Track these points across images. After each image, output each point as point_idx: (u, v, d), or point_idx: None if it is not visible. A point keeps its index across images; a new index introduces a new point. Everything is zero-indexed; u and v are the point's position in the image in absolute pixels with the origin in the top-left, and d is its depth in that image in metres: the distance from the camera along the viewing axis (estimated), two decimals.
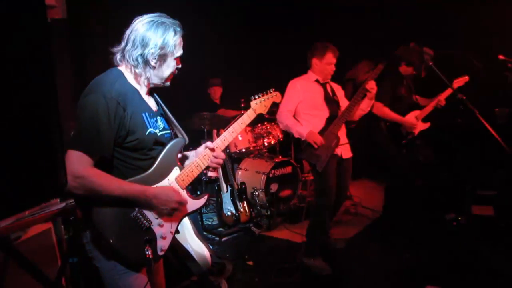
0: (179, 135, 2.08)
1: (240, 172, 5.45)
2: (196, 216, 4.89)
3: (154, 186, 1.87)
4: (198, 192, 4.87)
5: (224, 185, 4.69)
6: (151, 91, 2.01)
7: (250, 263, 3.93)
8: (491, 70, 3.87)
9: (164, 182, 1.92)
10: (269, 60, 6.81)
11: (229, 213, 4.63)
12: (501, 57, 4.16)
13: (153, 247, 1.87)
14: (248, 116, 2.20)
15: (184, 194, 1.98)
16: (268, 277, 3.66)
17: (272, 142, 5.60)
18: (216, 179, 5.07)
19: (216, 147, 2.09)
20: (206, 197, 2.10)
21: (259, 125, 5.60)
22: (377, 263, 3.85)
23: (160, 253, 1.91)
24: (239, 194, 4.71)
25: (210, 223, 5.07)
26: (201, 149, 2.11)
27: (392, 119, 4.37)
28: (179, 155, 2.07)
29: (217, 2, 6.05)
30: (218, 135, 4.68)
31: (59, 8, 4.14)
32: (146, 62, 1.84)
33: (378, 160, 5.31)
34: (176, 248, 3.34)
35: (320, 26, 6.32)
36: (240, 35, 6.70)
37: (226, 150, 5.03)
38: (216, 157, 2.07)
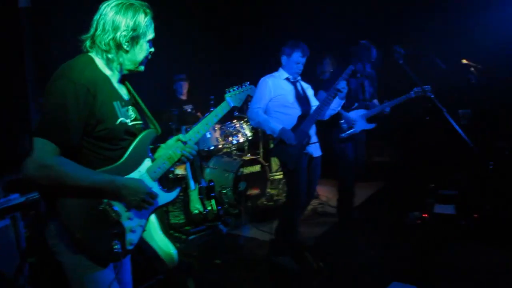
0: (151, 126, 2.00)
1: (208, 170, 5.38)
2: (162, 213, 4.77)
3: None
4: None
5: (192, 183, 4.61)
6: (123, 79, 1.93)
7: (218, 261, 3.87)
8: (455, 72, 3.98)
9: (135, 174, 1.84)
10: (238, 57, 6.78)
11: (196, 211, 4.55)
12: (464, 60, 4.31)
13: (122, 241, 1.79)
14: (221, 109, 2.15)
15: (155, 186, 1.91)
16: (236, 275, 3.61)
17: (241, 141, 5.57)
18: (183, 177, 4.98)
19: (189, 140, 2.03)
20: (178, 190, 2.03)
21: (228, 123, 5.56)
22: (344, 261, 3.88)
23: (129, 247, 1.82)
24: (207, 192, 4.64)
25: (177, 221, 4.97)
26: (173, 141, 2.05)
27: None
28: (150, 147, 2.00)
29: None
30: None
31: None
32: (118, 46, 1.76)
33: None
34: (142, 246, 3.24)
35: (288, 22, 6.35)
36: (207, 31, 6.65)
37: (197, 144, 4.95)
38: (189, 150, 2.01)
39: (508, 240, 3.92)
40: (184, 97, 6.09)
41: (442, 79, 4.23)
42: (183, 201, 4.78)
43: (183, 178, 4.98)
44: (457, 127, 2.69)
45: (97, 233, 1.73)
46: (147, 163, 1.89)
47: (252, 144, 5.99)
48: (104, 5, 1.77)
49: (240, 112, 5.98)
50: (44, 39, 4.02)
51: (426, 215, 4.77)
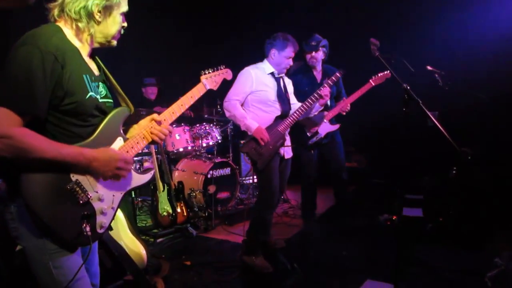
0: (123, 104, 1.90)
1: (177, 173, 5.24)
2: (130, 213, 4.59)
3: None
4: (133, 192, 4.59)
5: (160, 184, 4.46)
6: (93, 54, 1.82)
7: (188, 263, 3.73)
8: (423, 76, 4.05)
9: None
10: (207, 56, 6.74)
11: (165, 213, 4.40)
12: (429, 67, 4.41)
13: (92, 224, 1.66)
14: (198, 90, 2.07)
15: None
16: (207, 276, 3.49)
17: (211, 144, 5.48)
18: (151, 180, 4.83)
19: (164, 120, 1.94)
20: (152, 172, 1.93)
21: (198, 125, 5.46)
22: (317, 261, 3.84)
23: (100, 230, 1.70)
24: (176, 193, 4.51)
25: (144, 225, 4.79)
26: (146, 121, 1.95)
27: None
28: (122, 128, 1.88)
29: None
30: None
31: None
32: (89, 16, 1.65)
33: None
34: (110, 245, 3.08)
35: (262, 22, 6.37)
36: (175, 31, 6.59)
37: (162, 147, 4.82)
38: (162, 130, 1.91)
39: (471, 242, 4.06)
40: (152, 97, 6.00)
41: (410, 82, 4.31)
42: (151, 203, 4.62)
43: (151, 180, 4.82)
44: (434, 120, 2.71)
45: (64, 214, 1.59)
46: (119, 142, 1.78)
47: (221, 147, 5.91)
48: None
49: (210, 115, 5.91)
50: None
51: (395, 217, 4.84)
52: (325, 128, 4.46)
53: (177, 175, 5.18)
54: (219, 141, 5.57)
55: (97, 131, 1.70)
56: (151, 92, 6.03)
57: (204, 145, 5.39)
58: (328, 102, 4.29)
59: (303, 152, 4.57)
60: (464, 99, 4.72)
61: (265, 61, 3.76)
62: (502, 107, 4.99)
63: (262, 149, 3.54)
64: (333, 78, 3.74)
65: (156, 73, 6.12)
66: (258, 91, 3.64)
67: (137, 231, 4.40)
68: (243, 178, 5.89)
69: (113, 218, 1.77)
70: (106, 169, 1.65)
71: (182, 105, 2.00)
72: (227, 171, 5.33)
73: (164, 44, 6.42)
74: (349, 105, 4.38)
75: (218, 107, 6.01)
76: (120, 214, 3.34)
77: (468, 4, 5.32)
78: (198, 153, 5.44)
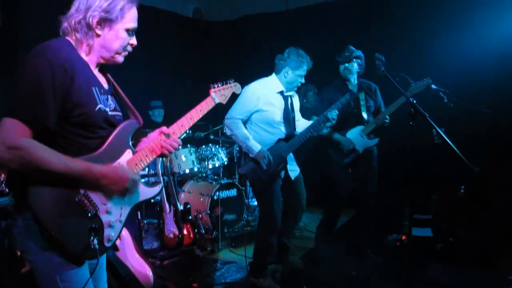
0: (132, 117, 1.90)
1: (183, 195, 5.20)
2: (137, 234, 4.54)
3: None
4: (139, 212, 4.55)
5: (167, 206, 4.43)
6: (102, 69, 1.83)
7: (195, 284, 3.67)
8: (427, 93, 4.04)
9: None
10: (213, 77, 6.83)
11: (171, 235, 4.35)
12: (433, 86, 4.40)
13: (100, 237, 1.64)
14: (207, 103, 2.07)
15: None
16: None
17: (217, 165, 5.46)
18: (157, 201, 4.80)
19: (173, 133, 1.94)
20: (160, 186, 1.90)
21: (204, 146, 5.46)
22: (326, 281, 3.77)
23: (107, 244, 1.68)
24: (183, 215, 4.46)
25: (150, 247, 4.73)
26: (155, 134, 1.94)
27: (325, 135, 4.07)
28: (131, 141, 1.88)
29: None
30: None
31: None
32: (88, 27, 1.65)
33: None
34: (116, 265, 3.04)
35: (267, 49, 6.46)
36: (182, 54, 6.71)
37: (169, 168, 4.80)
38: (171, 143, 1.90)
39: (483, 260, 3.96)
40: (160, 120, 6.05)
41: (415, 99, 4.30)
42: (157, 226, 4.57)
43: (157, 203, 4.79)
44: (442, 134, 2.68)
45: (72, 227, 1.58)
46: (127, 154, 1.77)
47: (228, 168, 5.89)
48: None
49: (216, 135, 5.92)
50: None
51: (404, 237, 4.76)
52: (363, 143, 4.07)
53: (183, 197, 5.14)
54: (225, 163, 5.55)
55: (106, 143, 1.70)
56: (158, 115, 6.08)
57: (210, 166, 5.37)
58: (366, 117, 4.12)
59: (338, 172, 4.20)
60: (470, 116, 4.69)
61: (274, 76, 3.58)
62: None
63: (262, 172, 3.41)
64: (343, 100, 3.61)
65: (163, 95, 6.18)
66: (263, 110, 3.47)
67: (144, 254, 4.35)
68: (250, 200, 5.84)
69: (120, 232, 1.74)
70: (114, 188, 1.65)
71: (191, 118, 2.00)
72: (233, 192, 5.28)
73: (171, 67, 6.51)
74: (387, 117, 4.02)
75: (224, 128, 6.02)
76: (126, 234, 3.31)
77: (468, 21, 5.37)
78: (204, 175, 5.42)
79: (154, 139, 1.91)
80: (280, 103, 3.56)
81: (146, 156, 1.83)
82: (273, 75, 3.60)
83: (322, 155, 4.46)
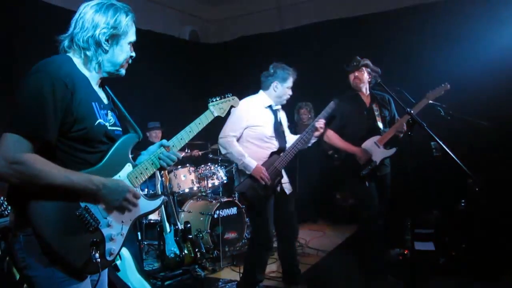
0: (131, 131, 1.92)
1: (183, 214, 5.18)
2: (137, 253, 4.49)
3: None
4: (139, 233, 4.52)
5: (167, 225, 4.40)
6: (102, 83, 1.86)
7: None
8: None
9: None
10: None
11: (172, 255, 4.31)
12: (431, 101, 4.42)
13: (101, 251, 1.64)
14: (205, 117, 2.10)
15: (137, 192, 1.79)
16: None
17: (216, 184, 5.46)
18: (157, 222, 4.78)
19: (172, 146, 1.95)
20: (161, 198, 1.91)
21: (203, 165, 5.47)
22: None
23: (109, 258, 1.67)
24: (183, 234, 4.43)
25: (150, 268, 4.68)
26: (154, 147, 1.96)
27: (340, 148, 3.99)
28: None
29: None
30: (160, 174, 4.43)
31: None
32: (97, 44, 1.69)
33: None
34: (117, 285, 3.01)
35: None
36: (178, 76, 6.77)
37: (168, 188, 4.79)
38: (170, 156, 1.92)
39: (487, 274, 3.95)
40: (157, 140, 6.05)
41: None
42: (158, 246, 4.53)
43: (157, 224, 4.77)
44: (441, 143, 2.70)
45: (73, 241, 1.58)
46: (127, 168, 1.79)
47: (227, 187, 5.88)
48: (84, 5, 1.73)
49: (214, 153, 5.93)
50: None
51: (406, 251, 4.72)
52: (380, 154, 3.86)
53: (183, 217, 5.12)
54: (225, 181, 5.55)
55: (106, 157, 1.72)
56: (155, 136, 6.08)
57: (210, 185, 5.37)
58: (381, 126, 3.96)
59: (356, 185, 3.95)
60: (468, 129, 4.71)
61: (261, 93, 3.63)
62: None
63: (260, 187, 3.41)
64: (327, 109, 3.54)
65: (161, 116, 6.21)
66: (254, 126, 3.50)
67: (145, 275, 4.31)
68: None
69: (122, 246, 1.74)
70: (114, 198, 1.65)
71: (190, 131, 2.02)
72: (233, 210, 5.26)
73: (168, 89, 6.57)
74: (404, 124, 3.69)
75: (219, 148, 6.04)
76: (127, 254, 3.29)
77: (466, 34, 5.45)
78: (204, 194, 5.41)
79: (153, 152, 1.92)
80: (270, 117, 3.60)
81: (146, 169, 1.85)
82: (260, 91, 3.66)
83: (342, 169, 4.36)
